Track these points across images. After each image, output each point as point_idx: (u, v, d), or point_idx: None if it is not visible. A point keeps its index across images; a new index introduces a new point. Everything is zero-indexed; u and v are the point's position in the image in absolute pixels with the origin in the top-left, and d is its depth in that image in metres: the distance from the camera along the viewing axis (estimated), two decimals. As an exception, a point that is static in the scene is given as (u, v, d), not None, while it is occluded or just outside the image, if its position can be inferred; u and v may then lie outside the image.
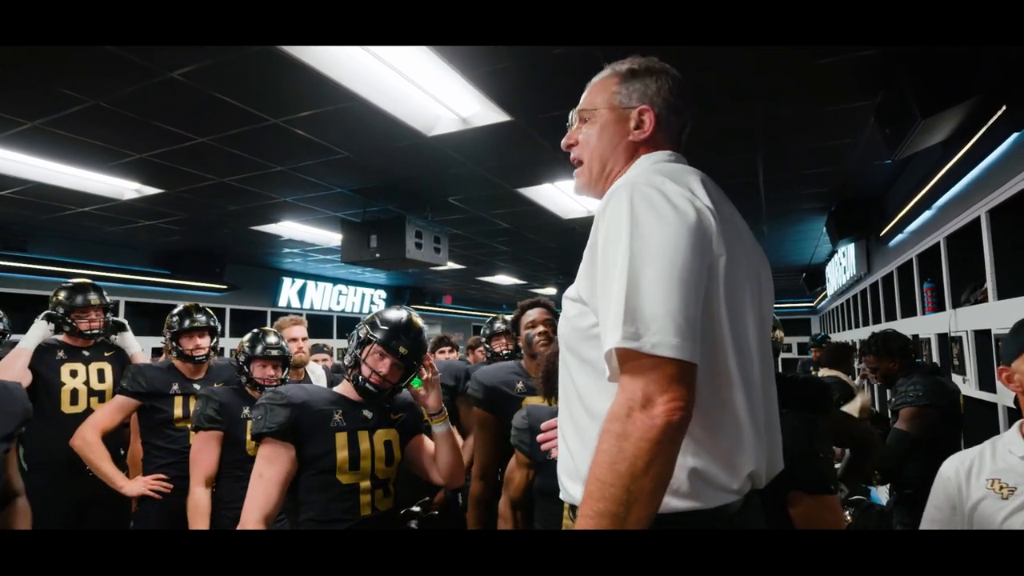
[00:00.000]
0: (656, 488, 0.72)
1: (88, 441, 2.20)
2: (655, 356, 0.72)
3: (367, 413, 1.56)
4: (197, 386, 2.35)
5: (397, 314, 1.57)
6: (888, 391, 2.82)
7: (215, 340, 2.47)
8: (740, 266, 0.87)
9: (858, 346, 5.02)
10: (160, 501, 2.20)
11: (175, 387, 2.33)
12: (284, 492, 1.44)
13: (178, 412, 2.31)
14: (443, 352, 3.68)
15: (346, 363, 1.58)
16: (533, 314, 2.10)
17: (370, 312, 2.46)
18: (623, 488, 0.70)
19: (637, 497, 0.71)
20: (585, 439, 0.88)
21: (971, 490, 1.28)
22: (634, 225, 0.78)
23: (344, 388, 1.60)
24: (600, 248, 0.83)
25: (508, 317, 3.30)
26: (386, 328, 1.52)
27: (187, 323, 2.36)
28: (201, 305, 2.48)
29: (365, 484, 1.50)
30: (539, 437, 1.31)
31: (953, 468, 1.34)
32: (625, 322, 0.73)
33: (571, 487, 0.91)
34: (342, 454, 1.47)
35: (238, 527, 1.42)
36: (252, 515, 1.39)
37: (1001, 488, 1.23)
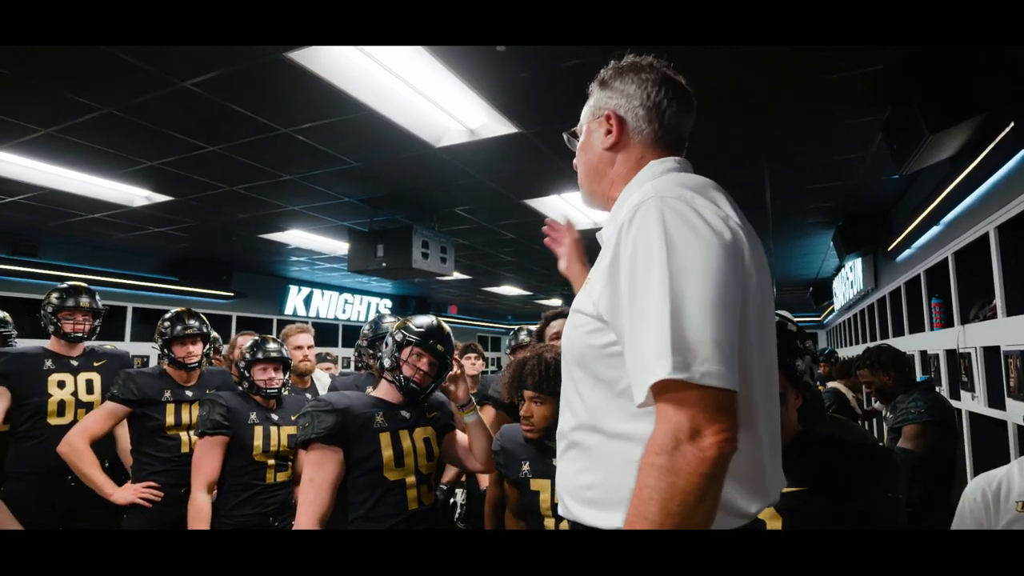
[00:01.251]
0: (707, 522, 0.70)
1: (76, 448, 2.15)
2: (702, 386, 0.70)
3: (405, 413, 1.66)
4: (189, 393, 2.32)
5: (427, 319, 1.71)
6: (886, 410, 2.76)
7: (208, 346, 2.42)
8: (765, 286, 0.85)
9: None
10: (150, 509, 2.15)
11: (167, 394, 2.28)
12: (335, 494, 1.51)
13: (170, 420, 2.26)
14: (468, 358, 3.68)
15: (386, 366, 1.67)
16: (557, 325, 2.10)
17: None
18: (676, 527, 0.68)
19: None
20: (593, 458, 0.86)
21: (1000, 513, 1.24)
22: (670, 245, 0.74)
23: (381, 391, 1.69)
24: (626, 265, 0.78)
25: (533, 328, 3.31)
26: (421, 330, 1.66)
27: (179, 329, 2.31)
28: (193, 310, 2.44)
29: (411, 480, 1.59)
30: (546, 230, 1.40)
31: (980, 490, 1.29)
32: (673, 351, 0.70)
33: (575, 507, 0.89)
34: (387, 453, 1.56)
35: (294, 529, 1.49)
36: (307, 517, 1.46)
37: None
